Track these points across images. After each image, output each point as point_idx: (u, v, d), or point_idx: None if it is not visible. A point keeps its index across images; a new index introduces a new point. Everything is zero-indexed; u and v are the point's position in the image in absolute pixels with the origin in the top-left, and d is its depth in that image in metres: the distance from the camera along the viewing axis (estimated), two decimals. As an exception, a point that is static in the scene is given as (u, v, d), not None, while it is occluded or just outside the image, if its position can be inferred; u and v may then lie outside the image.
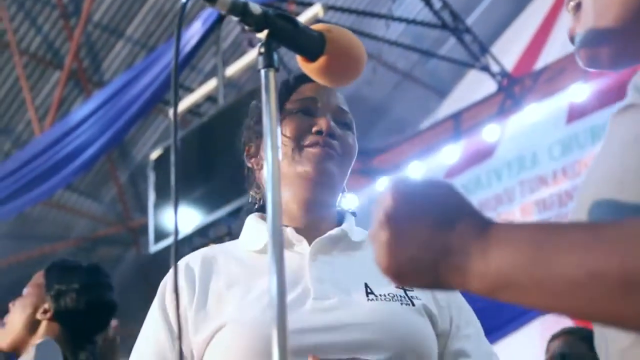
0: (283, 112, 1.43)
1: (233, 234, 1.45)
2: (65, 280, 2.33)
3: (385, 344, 1.30)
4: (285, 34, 1.03)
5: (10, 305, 2.36)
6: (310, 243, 1.41)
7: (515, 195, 6.74)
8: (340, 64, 1.09)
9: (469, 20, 7.13)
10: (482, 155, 6.85)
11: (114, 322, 2.37)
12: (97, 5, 7.05)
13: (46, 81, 7.51)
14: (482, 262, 0.76)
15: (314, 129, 1.42)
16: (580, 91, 5.83)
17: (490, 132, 6.37)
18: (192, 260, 1.42)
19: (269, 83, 0.99)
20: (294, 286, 1.34)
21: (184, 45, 5.15)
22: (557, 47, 6.66)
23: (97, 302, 2.34)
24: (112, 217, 8.56)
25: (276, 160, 0.96)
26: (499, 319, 4.97)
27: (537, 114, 6.11)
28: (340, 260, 1.42)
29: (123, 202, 8.30)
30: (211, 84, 5.98)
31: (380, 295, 1.35)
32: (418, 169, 6.69)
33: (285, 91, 1.46)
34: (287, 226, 1.42)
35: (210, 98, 6.08)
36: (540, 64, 6.77)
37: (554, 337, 3.05)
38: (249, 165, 1.52)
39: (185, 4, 1.00)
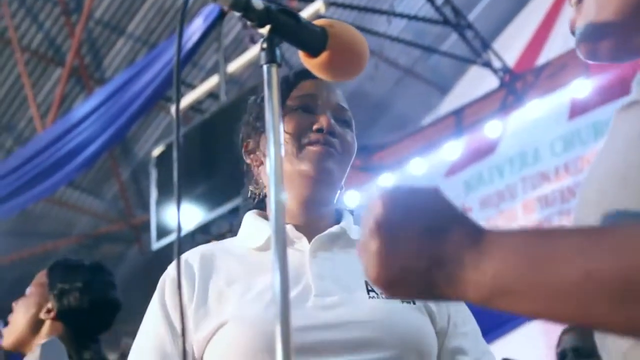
0: (283, 109, 1.43)
1: (235, 231, 1.46)
2: (68, 279, 2.33)
3: (387, 342, 1.30)
4: (288, 29, 1.02)
5: (14, 304, 2.36)
6: (309, 240, 1.41)
7: (517, 192, 6.73)
8: (343, 59, 1.08)
9: (471, 16, 7.12)
10: (484, 151, 6.85)
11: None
12: (99, 2, 7.05)
13: (48, 78, 7.52)
14: (477, 271, 0.74)
15: (315, 127, 1.42)
16: (582, 87, 5.82)
17: (492, 128, 6.36)
18: (191, 257, 1.42)
19: (272, 79, 0.98)
20: (295, 283, 1.34)
21: (185, 42, 5.15)
22: (559, 42, 6.65)
23: (100, 301, 2.34)
24: (114, 214, 8.56)
25: (279, 157, 0.95)
26: (498, 318, 4.97)
27: (539, 110, 6.10)
28: (340, 257, 1.42)
29: (125, 199, 8.31)
30: (213, 81, 5.97)
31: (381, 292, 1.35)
32: (420, 166, 6.69)
33: (285, 88, 1.45)
34: (286, 223, 1.42)
35: (212, 95, 6.08)
36: (542, 59, 6.76)
37: (566, 331, 3.02)
38: (248, 161, 1.52)
39: (187, 0, 0.99)
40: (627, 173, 0.80)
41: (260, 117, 1.48)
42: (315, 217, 1.44)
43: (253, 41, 5.94)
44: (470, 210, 6.93)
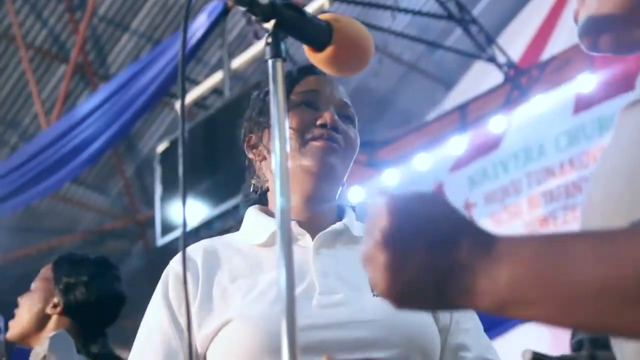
0: (287, 104, 1.42)
1: (236, 228, 1.46)
2: (73, 273, 2.33)
3: (392, 341, 1.30)
4: (293, 23, 1.02)
5: (20, 299, 2.36)
6: (312, 237, 1.41)
7: (522, 187, 6.72)
8: (348, 53, 1.08)
9: (475, 11, 7.10)
10: (489, 146, 6.83)
11: None
12: (102, -2, 7.06)
13: (52, 75, 7.52)
14: (490, 280, 0.73)
15: (318, 122, 1.42)
16: (587, 82, 5.80)
17: (496, 124, 6.35)
18: (194, 252, 1.41)
19: (277, 73, 0.98)
20: (300, 281, 1.33)
21: (189, 38, 5.14)
22: (563, 37, 6.63)
23: (106, 294, 2.34)
24: (118, 211, 8.57)
25: (284, 152, 0.95)
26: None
27: (543, 104, 6.08)
28: (343, 253, 1.42)
29: (130, 196, 8.31)
30: (217, 77, 5.97)
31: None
32: (424, 161, 6.68)
33: (289, 83, 1.45)
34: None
35: (216, 90, 6.07)
36: (546, 54, 6.74)
37: None
38: (250, 156, 1.51)
39: (191, -4, 0.99)
40: (633, 172, 0.79)
41: (263, 112, 1.48)
42: (317, 213, 1.44)
43: (257, 37, 5.94)
44: (475, 206, 6.93)
